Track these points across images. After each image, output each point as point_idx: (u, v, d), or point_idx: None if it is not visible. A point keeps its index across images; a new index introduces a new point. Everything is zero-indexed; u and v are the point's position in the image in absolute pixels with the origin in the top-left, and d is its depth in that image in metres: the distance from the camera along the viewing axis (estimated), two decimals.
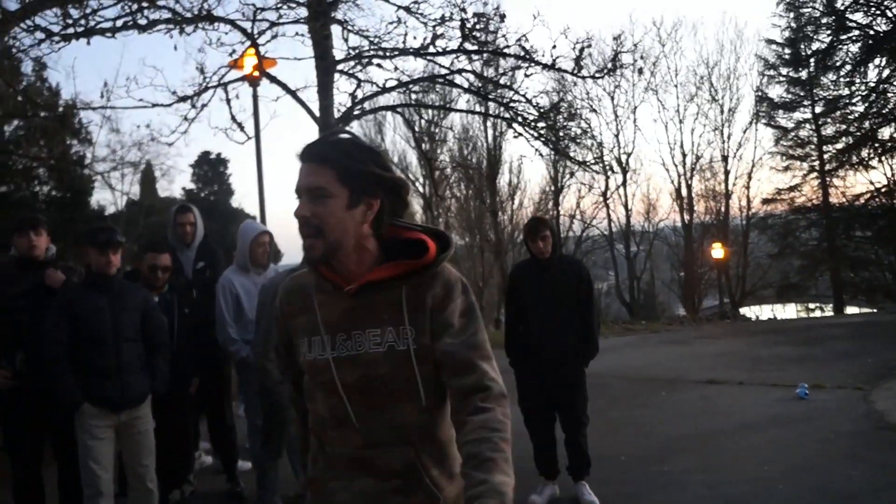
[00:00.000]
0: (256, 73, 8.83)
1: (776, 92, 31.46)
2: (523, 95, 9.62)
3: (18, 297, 4.13)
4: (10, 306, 4.12)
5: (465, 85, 10.28)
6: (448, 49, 8.90)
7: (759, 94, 31.43)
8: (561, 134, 10.51)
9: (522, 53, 8.82)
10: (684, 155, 31.86)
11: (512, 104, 9.98)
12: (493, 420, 1.62)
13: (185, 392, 4.82)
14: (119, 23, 7.73)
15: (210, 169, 39.28)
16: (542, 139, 10.29)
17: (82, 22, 7.57)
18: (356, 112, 9.48)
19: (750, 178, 31.76)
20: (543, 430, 4.94)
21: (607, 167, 23.02)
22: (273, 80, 8.88)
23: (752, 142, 39.87)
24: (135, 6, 7.62)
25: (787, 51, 30.89)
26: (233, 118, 9.05)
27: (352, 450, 1.75)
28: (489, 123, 30.00)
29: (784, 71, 31.11)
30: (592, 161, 12.51)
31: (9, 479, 4.38)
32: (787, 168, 31.15)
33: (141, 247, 5.05)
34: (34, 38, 8.03)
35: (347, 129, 1.84)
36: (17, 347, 4.10)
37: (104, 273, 4.02)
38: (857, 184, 29.83)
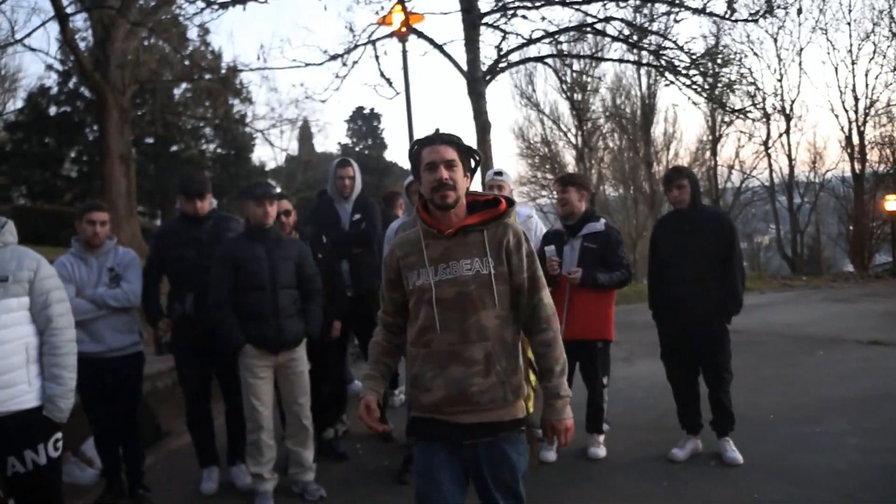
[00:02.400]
0: (404, 29, 8.98)
1: None
2: (674, 41, 9.24)
3: (187, 247, 4.55)
4: (180, 256, 4.55)
5: (614, 33, 9.99)
6: None
7: None
8: (715, 81, 10.02)
9: None
10: (856, 99, 29.35)
11: (663, 51, 9.61)
12: (546, 338, 2.57)
13: (329, 336, 5.07)
14: None
15: (364, 124, 40.45)
16: (695, 87, 9.87)
17: None
18: (502, 64, 9.46)
19: None
20: (686, 385, 4.88)
21: (766, 114, 21.68)
22: (420, 35, 9.01)
23: None
24: None
25: None
26: (381, 74, 9.30)
27: (447, 346, 2.47)
28: (643, 71, 29.01)
29: None
30: (749, 108, 11.85)
31: (183, 412, 4.88)
32: None
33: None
34: (196, 6, 8.53)
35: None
36: (189, 291, 4.52)
37: (261, 224, 4.33)
38: None
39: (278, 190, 4.48)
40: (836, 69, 33.51)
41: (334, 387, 5.42)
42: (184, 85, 23.05)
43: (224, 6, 8.22)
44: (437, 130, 2.67)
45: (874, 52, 29.03)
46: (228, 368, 4.51)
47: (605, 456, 4.93)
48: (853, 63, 29.42)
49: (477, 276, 2.48)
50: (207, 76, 20.81)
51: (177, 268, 4.57)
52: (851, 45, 29.83)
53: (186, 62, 20.20)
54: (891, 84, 29.07)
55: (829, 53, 34.64)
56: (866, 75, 30.45)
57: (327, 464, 5.00)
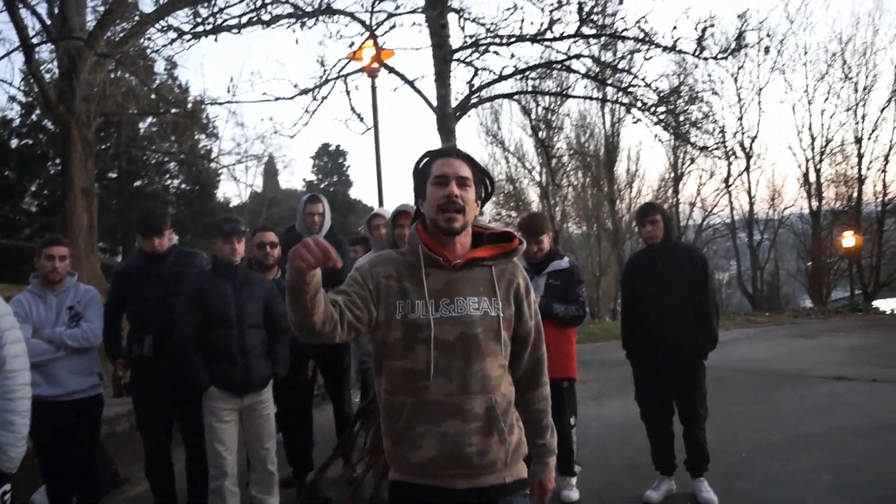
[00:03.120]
0: (375, 65, 8.99)
1: None
2: (642, 79, 9.38)
3: (147, 285, 4.38)
4: (140, 295, 4.39)
5: (583, 70, 10.11)
6: (565, 34, 8.77)
7: None
8: (681, 118, 10.17)
9: (642, 36, 8.58)
10: (813, 138, 30.09)
11: (631, 88, 9.74)
12: (545, 393, 2.37)
13: (301, 376, 4.95)
14: (244, 19, 8.06)
15: (330, 160, 40.47)
16: (662, 124, 10.00)
17: (210, 20, 7.94)
18: (473, 100, 9.50)
19: (887, 160, 29.60)
20: (660, 424, 4.83)
21: (729, 152, 22.08)
22: (391, 70, 9.02)
23: (890, 121, 37.08)
24: (259, 2, 7.92)
25: None
26: (352, 109, 9.27)
27: (443, 397, 2.11)
28: (607, 109, 29.44)
29: None
30: (714, 146, 12.04)
31: (141, 457, 4.69)
32: None
33: (253, 230, 5.26)
34: (167, 37, 8.48)
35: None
36: (148, 332, 4.35)
37: (229, 261, 4.22)
38: None
39: (244, 228, 4.37)
40: (793, 108, 34.40)
41: (305, 428, 5.29)
42: (149, 119, 22.84)
43: (196, 36, 8.16)
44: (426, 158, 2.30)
45: (829, 92, 29.90)
46: (190, 411, 4.35)
47: (577, 499, 4.83)
48: (809, 103, 30.24)
49: (485, 318, 2.16)
50: (174, 110, 20.64)
51: (137, 307, 4.42)
52: (807, 85, 30.56)
53: (153, 96, 20.03)
54: (845, 123, 29.92)
55: (786, 93, 35.45)
56: (822, 115, 31.27)
57: None
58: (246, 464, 4.50)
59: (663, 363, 4.65)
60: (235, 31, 8.14)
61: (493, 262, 2.23)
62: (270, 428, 4.35)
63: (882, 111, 29.68)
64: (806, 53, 31.80)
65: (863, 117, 29.60)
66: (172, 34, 8.46)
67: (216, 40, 8.11)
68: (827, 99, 29.97)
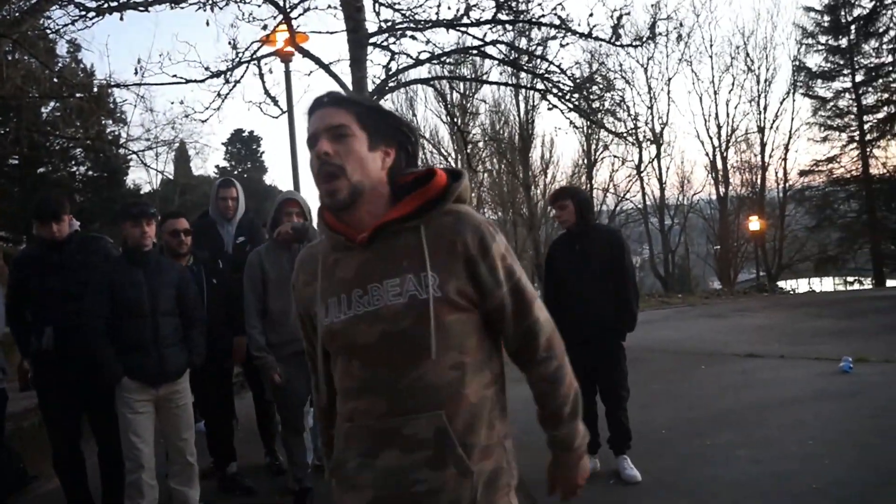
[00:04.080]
0: (289, 49, 8.77)
1: (814, 61, 30.83)
2: (558, 66, 9.45)
3: (48, 275, 4.14)
4: (41, 285, 4.14)
5: (499, 57, 10.12)
6: (482, 20, 8.74)
7: (797, 63, 30.80)
8: (596, 105, 10.32)
9: (558, 23, 8.64)
10: (719, 127, 31.40)
11: (546, 75, 9.80)
12: (549, 370, 1.72)
13: (220, 365, 4.82)
14: None
15: (243, 146, 39.64)
16: (578, 111, 10.12)
17: None
18: (390, 84, 9.39)
19: (787, 149, 31.25)
20: (584, 404, 4.87)
21: (642, 139, 22.65)
22: (306, 54, 8.80)
23: (790, 112, 39.10)
24: None
25: (826, 18, 30.16)
26: (266, 93, 9.02)
27: (375, 420, 1.58)
28: (521, 97, 29.75)
29: (823, 39, 30.44)
30: (627, 132, 12.30)
31: (50, 453, 4.45)
32: (825, 139, 30.57)
33: (163, 216, 5.04)
34: (69, 15, 8.04)
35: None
36: (47, 324, 4.11)
37: (140, 245, 4.03)
38: None
39: (154, 211, 4.17)
40: (700, 99, 35.94)
41: (226, 417, 5.14)
42: (52, 103, 21.77)
43: (100, 13, 7.77)
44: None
45: (733, 83, 31.27)
46: (99, 404, 4.15)
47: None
48: (715, 93, 31.56)
49: (412, 305, 1.56)
50: (78, 94, 19.73)
51: (36, 298, 4.17)
52: (713, 76, 31.79)
53: (55, 79, 19.09)
54: (748, 114, 31.43)
55: (694, 84, 36.64)
56: (727, 105, 32.71)
57: (230, 500, 4.75)
58: (165, 456, 4.33)
59: (584, 345, 4.69)
60: (142, 8, 7.80)
61: (418, 222, 1.61)
62: (188, 418, 4.19)
63: (782, 103, 31.33)
64: (712, 46, 32.95)
65: (765, 108, 31.18)
66: (74, 11, 8.04)
67: (122, 18, 7.77)
68: (732, 90, 31.37)
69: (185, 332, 4.18)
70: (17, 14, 15.70)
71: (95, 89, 20.68)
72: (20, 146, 21.61)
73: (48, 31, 16.22)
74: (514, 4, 8.61)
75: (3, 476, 4.39)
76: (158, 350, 3.99)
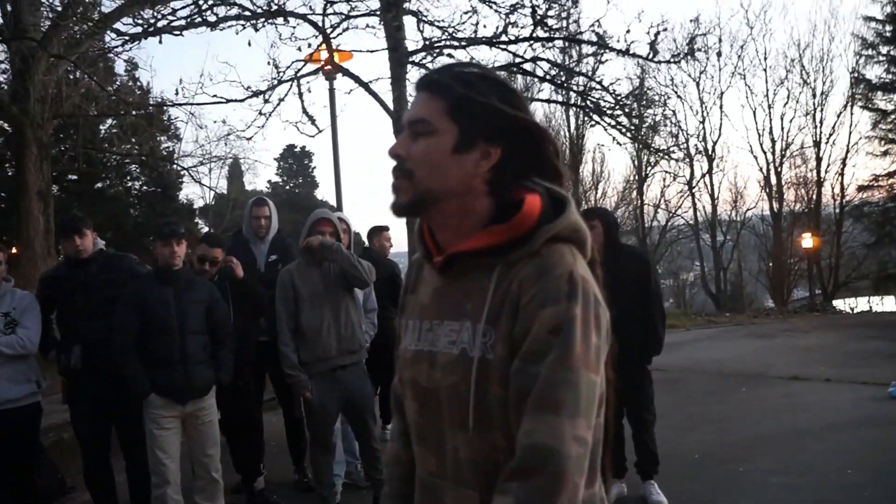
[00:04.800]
0: (329, 67, 8.91)
1: (874, 72, 29.85)
2: (599, 82, 9.41)
3: (75, 293, 4.26)
4: (68, 303, 4.28)
5: (541, 74, 10.12)
6: (520, 37, 8.76)
7: (856, 75, 29.95)
8: (638, 122, 10.23)
9: (595, 39, 8.61)
10: (773, 141, 30.70)
11: (589, 92, 9.77)
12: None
13: (248, 381, 4.88)
14: (185, 21, 7.93)
15: (295, 162, 40.20)
16: (620, 128, 10.05)
17: (152, 21, 7.81)
18: None
19: (844, 164, 30.36)
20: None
21: (690, 154, 22.31)
22: (346, 73, 8.94)
23: (847, 126, 37.63)
24: (204, 4, 7.79)
25: (888, 27, 29.23)
26: (304, 111, 9.17)
27: (426, 474, 1.37)
28: (571, 112, 29.67)
29: (884, 49, 29.45)
30: (673, 148, 12.15)
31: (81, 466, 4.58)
32: (885, 153, 29.53)
33: (199, 238, 5.16)
34: (115, 39, 8.31)
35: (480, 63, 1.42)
36: (75, 343, 4.23)
37: (170, 264, 4.13)
38: None
39: (207, 230, 4.28)
40: (754, 113, 34.99)
41: (254, 434, 5.21)
42: (109, 120, 22.45)
43: (135, 38, 8.02)
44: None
45: (788, 97, 30.58)
46: (127, 420, 4.26)
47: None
48: (769, 107, 30.82)
49: (461, 360, 1.26)
50: (135, 112, 20.31)
51: (63, 316, 4.32)
52: (768, 90, 31.08)
53: (113, 97, 19.69)
54: (804, 128, 30.58)
55: (747, 97, 35.61)
56: (782, 119, 32.00)
57: None
58: (191, 471, 4.41)
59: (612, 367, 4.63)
60: (177, 33, 8.00)
61: (495, 261, 1.27)
62: (214, 434, 4.27)
63: (839, 116, 30.39)
64: (766, 59, 32.36)
65: (821, 122, 30.29)
66: (114, 37, 8.34)
67: (160, 41, 7.99)
68: (786, 103, 30.65)
69: (213, 349, 4.27)
70: (77, 36, 16.27)
71: (150, 108, 21.32)
72: (78, 162, 22.32)
73: (97, 51, 16.77)
74: (552, 22, 8.61)
75: (43, 486, 4.52)
76: (185, 367, 4.08)
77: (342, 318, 4.39)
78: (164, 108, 20.52)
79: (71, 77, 17.75)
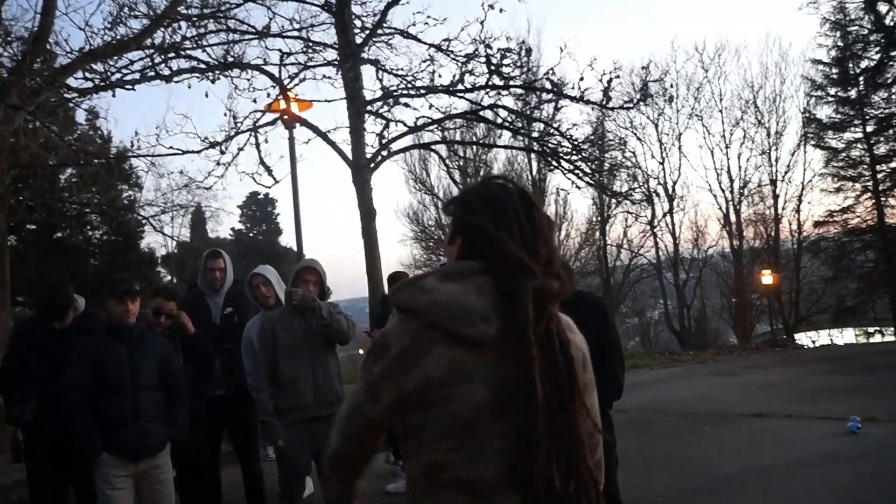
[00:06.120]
0: (286, 117, 8.93)
1: (824, 112, 30.77)
2: (556, 128, 9.53)
3: (40, 351, 4.21)
4: (29, 360, 4.23)
5: (498, 120, 10.24)
6: (477, 85, 8.87)
7: (807, 115, 30.82)
8: (599, 165, 10.38)
9: (550, 87, 8.74)
10: (731, 180, 31.38)
11: (546, 138, 9.89)
12: None
13: (203, 437, 4.81)
14: (140, 75, 7.93)
15: (258, 209, 40.02)
16: (577, 172, 10.17)
17: (107, 75, 7.79)
18: (384, 153, 9.49)
19: (800, 201, 31.09)
20: None
21: (648, 196, 22.61)
22: (304, 123, 8.95)
23: (801, 164, 38.71)
24: (158, 58, 7.78)
25: (834, 70, 30.23)
26: (261, 162, 9.15)
27: None
28: (532, 155, 30.04)
29: (832, 91, 30.42)
30: (631, 191, 12.32)
31: None
32: (838, 189, 30.29)
33: (154, 290, 5.13)
34: (62, 95, 8.26)
35: (498, 175, 1.86)
36: (33, 395, 4.16)
37: (123, 322, 4.06)
38: None
39: (168, 278, 4.24)
40: (712, 153, 35.70)
41: (211, 491, 5.09)
42: (69, 169, 22.16)
43: (85, 93, 7.98)
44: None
45: (744, 137, 31.38)
46: (84, 478, 4.14)
47: None
48: (727, 147, 31.58)
49: None
50: (96, 161, 20.08)
51: (28, 369, 4.24)
52: (724, 130, 31.83)
53: (73, 146, 19.47)
54: (760, 166, 31.30)
55: (705, 138, 36.40)
56: (739, 158, 32.59)
57: None
58: None
59: None
60: (129, 87, 7.97)
61: None
62: (168, 493, 4.16)
63: (793, 154, 31.19)
64: (721, 100, 33.01)
65: (776, 160, 31.07)
66: (67, 93, 8.29)
67: (114, 95, 7.95)
68: (743, 143, 31.44)
69: (167, 405, 4.18)
70: (35, 86, 16.11)
71: (112, 156, 21.09)
72: (37, 212, 21.95)
73: (61, 102, 16.63)
74: (506, 71, 8.73)
75: None
76: (138, 424, 3.98)
77: (320, 371, 4.41)
78: (126, 157, 20.34)
79: (30, 126, 17.56)
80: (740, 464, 6.50)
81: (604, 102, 8.92)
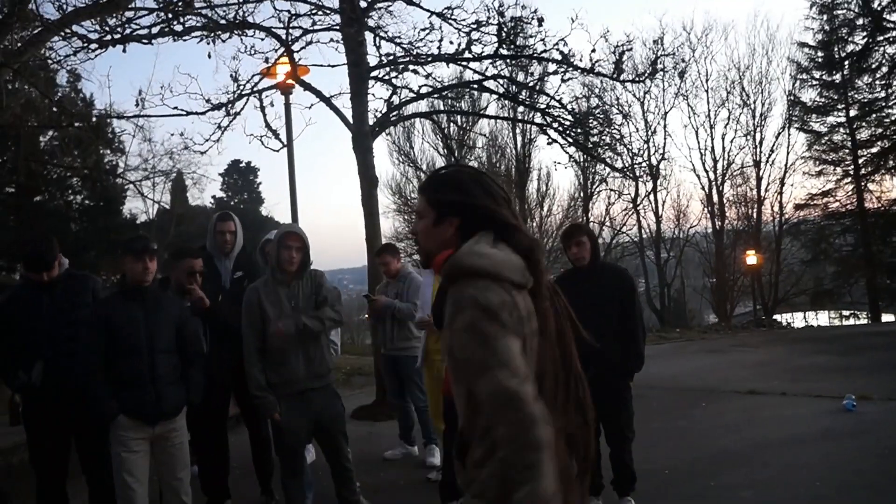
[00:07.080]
0: (290, 81, 8.77)
1: (809, 96, 30.96)
2: (559, 101, 9.45)
3: (38, 318, 4.12)
4: (31, 328, 4.11)
5: (500, 90, 10.15)
6: (483, 54, 8.76)
7: (792, 98, 30.95)
8: (599, 140, 10.32)
9: (560, 58, 8.65)
10: (715, 160, 31.49)
11: (547, 110, 9.80)
12: None
13: (219, 402, 4.74)
14: (155, 30, 7.73)
15: (240, 177, 39.71)
16: (577, 145, 10.12)
17: (119, 29, 7.59)
18: (392, 118, 9.38)
19: (782, 183, 31.29)
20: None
21: (640, 173, 22.66)
22: (307, 87, 8.79)
23: (785, 146, 38.81)
24: (170, 14, 7.60)
25: (820, 54, 30.38)
26: (267, 125, 8.98)
27: None
28: (518, 130, 29.90)
29: (817, 74, 30.61)
30: (627, 166, 12.28)
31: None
32: (820, 173, 30.63)
33: (173, 254, 5.00)
34: (71, 46, 8.03)
35: (465, 162, 1.99)
36: (37, 359, 4.07)
37: (141, 281, 3.97)
38: (893, 188, 29.29)
39: (156, 247, 4.12)
40: (696, 133, 35.78)
41: (221, 455, 5.04)
42: (50, 132, 21.74)
43: (103, 45, 7.76)
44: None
45: (728, 118, 31.40)
46: (91, 442, 4.09)
47: None
48: (711, 127, 31.65)
49: None
50: (77, 124, 19.70)
51: (26, 338, 4.12)
52: (709, 110, 31.86)
53: (55, 109, 19.08)
54: (744, 147, 31.45)
55: (690, 118, 36.51)
56: (723, 139, 32.77)
57: None
58: (158, 495, 4.23)
59: (591, 385, 4.61)
60: (145, 41, 7.78)
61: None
62: (184, 457, 4.10)
63: (777, 137, 31.33)
64: (708, 80, 33.06)
65: (760, 142, 31.19)
66: (77, 42, 8.03)
67: (125, 50, 7.72)
68: (727, 124, 31.50)
69: (183, 369, 4.11)
70: (19, 44, 15.74)
71: (94, 119, 20.72)
72: (17, 175, 21.55)
73: (50, 62, 16.27)
74: (517, 40, 8.63)
75: None
76: (155, 387, 3.92)
77: (310, 343, 4.31)
78: (109, 120, 19.98)
79: (10, 87, 17.17)
80: (739, 439, 6.56)
81: (615, 75, 8.86)
